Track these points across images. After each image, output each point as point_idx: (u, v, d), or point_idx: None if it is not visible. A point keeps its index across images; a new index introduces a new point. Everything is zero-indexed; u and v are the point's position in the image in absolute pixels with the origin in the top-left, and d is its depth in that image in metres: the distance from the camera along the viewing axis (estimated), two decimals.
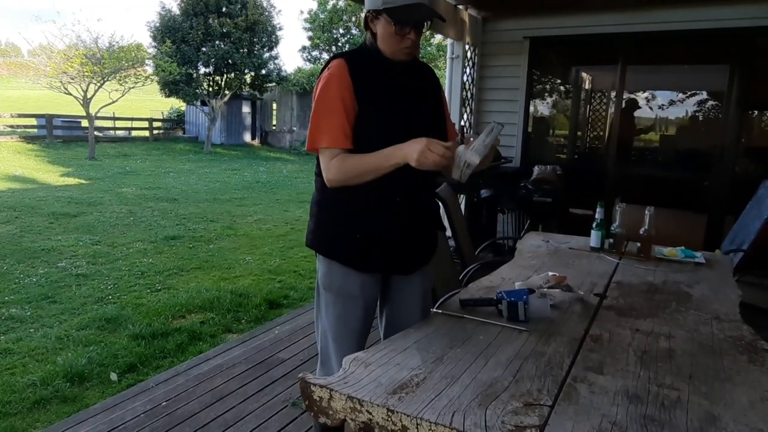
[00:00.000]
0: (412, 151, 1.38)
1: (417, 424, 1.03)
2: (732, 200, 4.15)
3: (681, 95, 5.28)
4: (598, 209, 2.46)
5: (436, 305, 1.70)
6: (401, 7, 1.47)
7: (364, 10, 1.55)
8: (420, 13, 1.50)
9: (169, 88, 17.03)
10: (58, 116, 16.92)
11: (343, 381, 1.17)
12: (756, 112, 4.73)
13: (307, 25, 22.75)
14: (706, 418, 1.08)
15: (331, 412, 1.14)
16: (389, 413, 1.06)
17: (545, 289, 1.78)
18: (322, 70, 1.56)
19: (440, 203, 2.67)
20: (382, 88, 1.54)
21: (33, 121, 16.84)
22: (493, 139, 1.41)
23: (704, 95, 5.17)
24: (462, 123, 4.98)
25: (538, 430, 1.01)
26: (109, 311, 3.81)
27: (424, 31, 1.58)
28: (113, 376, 2.88)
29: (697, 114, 5.32)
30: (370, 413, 1.09)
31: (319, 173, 1.59)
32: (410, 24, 1.49)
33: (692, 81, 5.25)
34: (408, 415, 1.04)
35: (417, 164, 1.38)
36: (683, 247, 2.48)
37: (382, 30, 1.52)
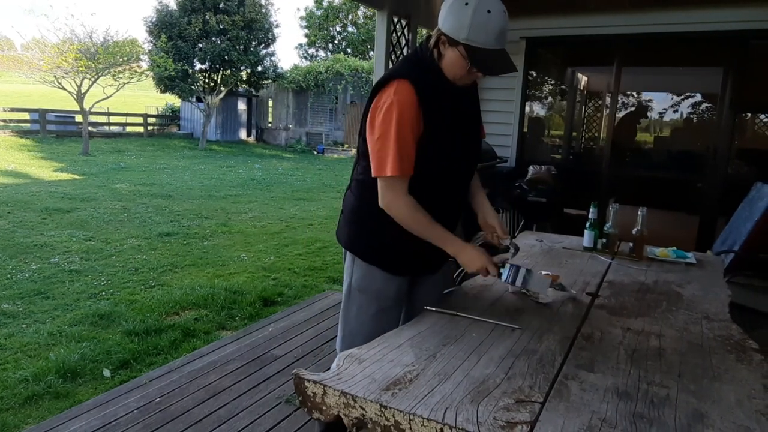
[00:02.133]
0: (471, 263, 1.56)
1: (410, 420, 1.04)
2: (724, 202, 4.19)
3: (675, 97, 5.32)
4: (591, 209, 2.48)
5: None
6: (483, 51, 1.43)
7: (438, 30, 1.49)
8: (499, 64, 1.46)
9: (165, 83, 16.96)
10: (52, 111, 16.83)
11: (337, 377, 1.18)
12: (749, 114, 4.78)
13: (304, 23, 22.71)
14: (694, 415, 1.09)
15: (324, 408, 1.15)
16: (382, 409, 1.07)
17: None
18: (384, 85, 1.50)
19: None
20: (444, 114, 1.54)
21: (26, 116, 16.72)
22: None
23: (698, 97, 5.21)
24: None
25: (529, 427, 1.02)
26: (102, 307, 3.80)
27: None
28: (106, 373, 2.88)
29: (690, 116, 5.36)
30: (364, 409, 1.09)
31: (363, 181, 1.61)
32: (489, 71, 1.50)
33: (686, 83, 5.29)
34: (401, 411, 1.05)
35: (466, 269, 1.58)
36: (675, 248, 2.50)
37: (454, 58, 1.48)
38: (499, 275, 1.59)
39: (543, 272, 1.91)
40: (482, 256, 1.56)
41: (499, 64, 1.47)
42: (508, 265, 1.60)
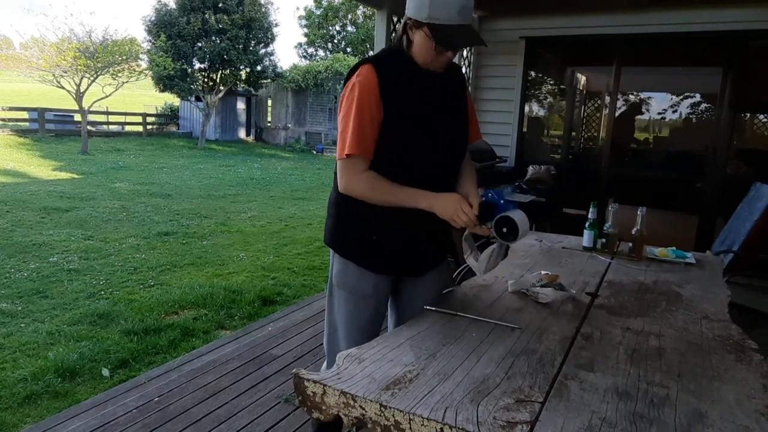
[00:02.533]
0: (445, 208, 1.44)
1: (410, 420, 1.04)
2: (723, 202, 4.19)
3: (674, 97, 5.32)
4: (591, 209, 2.48)
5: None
6: (446, 27, 1.42)
7: (405, 16, 1.51)
8: (464, 38, 1.46)
9: (164, 83, 16.94)
10: (51, 110, 16.79)
11: (337, 376, 1.17)
12: (748, 114, 4.78)
13: (303, 22, 22.70)
14: (694, 415, 1.09)
15: (324, 407, 1.15)
16: (382, 408, 1.07)
17: (538, 288, 1.80)
18: (350, 74, 1.52)
19: None
20: (409, 99, 1.51)
21: (25, 115, 16.69)
22: (499, 259, 1.50)
23: (697, 97, 5.22)
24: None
25: (529, 426, 1.02)
26: (101, 307, 3.79)
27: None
28: (105, 372, 2.88)
29: (690, 116, 5.37)
30: (363, 408, 1.09)
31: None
32: (453, 49, 1.46)
33: (686, 83, 5.30)
34: (401, 411, 1.05)
35: (446, 219, 1.45)
36: (674, 248, 2.50)
37: (420, 41, 1.47)
38: (481, 221, 1.48)
39: (543, 272, 1.91)
40: (454, 201, 1.45)
41: (462, 39, 1.46)
42: (483, 200, 1.49)
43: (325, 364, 1.77)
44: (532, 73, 5.30)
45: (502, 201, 1.49)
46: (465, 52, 5.04)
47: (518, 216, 1.48)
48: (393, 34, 3.85)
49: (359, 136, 1.46)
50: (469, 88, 5.18)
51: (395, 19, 3.92)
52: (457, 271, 2.77)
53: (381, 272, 1.63)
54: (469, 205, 1.45)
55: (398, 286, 1.74)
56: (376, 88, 1.46)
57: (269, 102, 20.99)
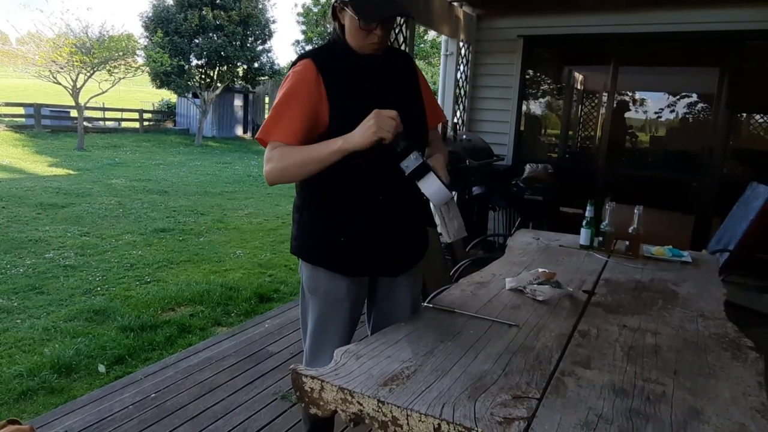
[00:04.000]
0: (364, 130, 1.31)
1: (407, 416, 1.04)
2: (719, 201, 4.21)
3: (671, 97, 5.33)
4: (588, 207, 2.49)
5: (427, 300, 1.71)
6: (367, 1, 1.41)
7: (333, 0, 1.49)
8: (386, 9, 1.43)
9: (160, 79, 16.87)
10: (47, 106, 16.70)
11: (335, 372, 1.18)
12: (744, 114, 4.80)
13: (301, 19, 22.64)
14: (690, 412, 1.10)
15: (322, 403, 1.15)
16: (380, 404, 1.07)
17: (535, 285, 1.80)
18: (290, 67, 1.51)
19: None
20: (351, 86, 1.49)
21: (21, 111, 16.59)
22: (454, 212, 1.44)
23: (694, 97, 5.23)
24: (455, 120, 4.99)
25: (526, 422, 1.02)
26: (97, 303, 3.78)
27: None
28: (101, 368, 2.87)
29: (686, 115, 5.38)
30: (361, 404, 1.10)
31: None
32: (375, 19, 1.42)
33: (682, 83, 5.31)
34: (398, 407, 1.05)
35: (376, 137, 1.31)
36: (671, 246, 2.52)
37: (348, 23, 1.46)
38: (397, 145, 1.38)
39: (540, 269, 1.92)
40: (371, 117, 1.32)
41: (388, 10, 1.43)
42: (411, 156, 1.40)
43: (304, 363, 1.75)
44: (530, 72, 5.30)
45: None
46: (462, 51, 5.04)
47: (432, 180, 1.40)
48: (391, 33, 3.85)
49: (287, 123, 1.42)
50: (467, 86, 5.18)
51: None
52: (454, 269, 2.77)
53: (353, 275, 1.58)
54: (385, 113, 1.31)
55: (374, 289, 1.69)
56: (314, 81, 1.44)
57: (266, 99, 20.93)
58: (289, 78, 1.47)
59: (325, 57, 1.50)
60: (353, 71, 1.50)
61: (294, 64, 1.51)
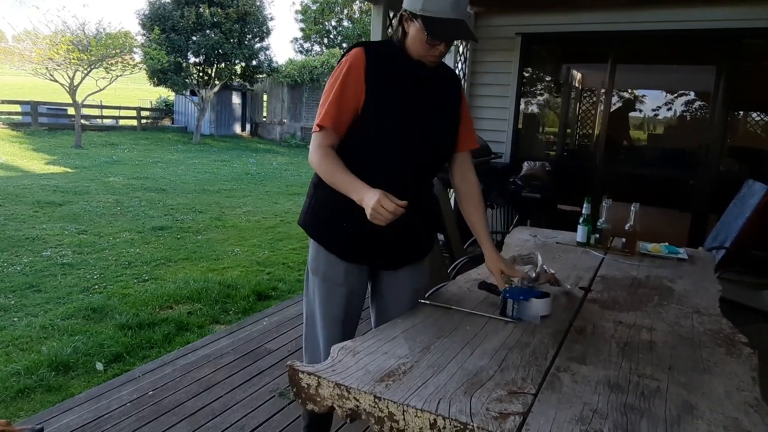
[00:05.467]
0: (368, 202, 1.36)
1: (403, 411, 1.05)
2: (716, 198, 4.22)
3: (669, 95, 5.34)
4: (585, 205, 2.49)
5: (425, 296, 1.71)
6: (438, 20, 1.43)
7: (402, 8, 1.53)
8: (456, 32, 1.47)
9: (158, 76, 16.81)
10: (44, 103, 16.63)
11: (331, 368, 1.18)
12: (741, 112, 4.81)
13: (299, 17, 22.59)
14: (684, 407, 1.11)
15: (318, 399, 1.16)
16: (376, 400, 1.08)
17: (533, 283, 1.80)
18: (343, 55, 1.55)
19: None
20: (394, 87, 1.52)
21: (18, 108, 16.52)
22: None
23: (691, 95, 5.24)
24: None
25: (522, 418, 1.03)
26: (95, 301, 3.78)
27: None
28: (99, 366, 2.87)
29: (684, 113, 5.39)
30: (358, 400, 1.10)
31: None
32: (443, 40, 1.47)
33: (680, 81, 5.32)
34: (395, 402, 1.06)
35: (370, 218, 1.36)
36: (667, 244, 2.53)
37: (414, 32, 1.49)
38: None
39: (537, 255, 1.92)
40: (376, 195, 1.34)
41: (453, 32, 1.48)
42: (503, 296, 1.57)
43: (303, 349, 1.78)
44: (528, 70, 5.31)
45: (521, 297, 1.56)
46: (460, 48, 5.04)
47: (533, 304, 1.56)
48: (389, 29, 3.85)
49: (334, 110, 1.49)
50: (465, 84, 5.18)
51: (391, 14, 3.91)
52: (452, 266, 2.78)
53: (349, 260, 1.61)
54: (389, 201, 1.33)
55: (376, 279, 1.72)
56: (361, 70, 1.49)
57: (264, 97, 20.88)
58: (342, 65, 1.51)
59: (378, 51, 1.55)
60: (400, 73, 1.53)
61: (348, 50, 1.55)
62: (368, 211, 1.36)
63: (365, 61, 1.49)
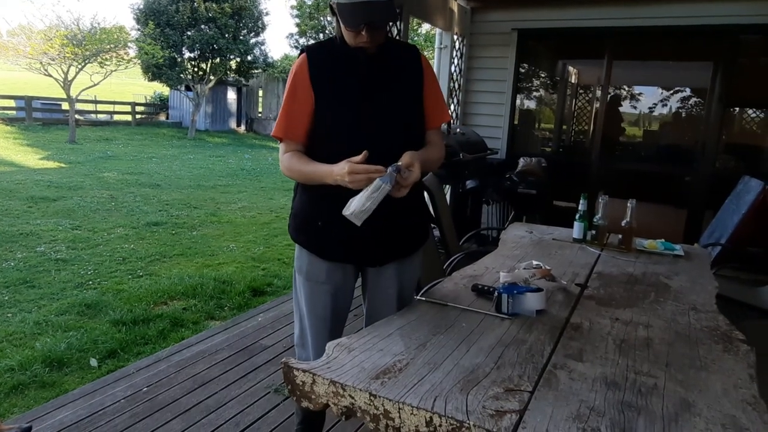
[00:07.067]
0: (339, 173, 1.39)
1: (399, 409, 1.04)
2: (712, 195, 4.23)
3: (665, 91, 5.34)
4: (581, 201, 2.49)
5: (420, 293, 1.70)
6: (345, 5, 1.42)
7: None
8: (364, 16, 1.42)
9: (152, 71, 16.70)
10: (38, 98, 16.50)
11: (326, 366, 1.17)
12: (737, 109, 4.81)
13: (294, 12, 22.47)
14: (681, 405, 1.10)
15: (313, 397, 1.15)
16: (371, 398, 1.07)
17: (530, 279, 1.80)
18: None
19: (426, 193, 2.67)
20: (337, 82, 1.53)
21: (11, 103, 16.40)
22: (379, 200, 1.36)
23: (688, 91, 5.24)
24: (449, 113, 4.98)
25: (518, 415, 1.02)
26: (89, 297, 3.76)
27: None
28: (93, 362, 2.85)
29: (680, 110, 5.39)
30: (353, 398, 1.09)
31: None
32: (354, 27, 1.43)
33: (676, 77, 5.32)
34: (390, 400, 1.05)
35: (351, 185, 1.37)
36: (663, 240, 2.52)
37: (338, 23, 1.50)
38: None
39: (534, 262, 1.92)
40: (343, 167, 1.37)
41: (364, 16, 1.42)
42: (496, 292, 1.57)
43: (296, 347, 1.78)
44: (524, 66, 5.29)
45: (514, 291, 1.57)
46: (456, 44, 5.01)
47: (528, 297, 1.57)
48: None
49: (284, 120, 1.56)
50: (462, 80, 5.16)
51: None
52: (447, 262, 2.77)
53: (330, 259, 1.61)
54: (355, 164, 1.35)
55: (364, 276, 1.73)
56: (305, 74, 1.52)
57: (260, 92, 20.80)
58: (290, 75, 1.57)
59: (320, 50, 1.57)
60: (341, 69, 1.54)
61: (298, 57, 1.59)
62: (347, 181, 1.37)
63: (308, 64, 1.52)
